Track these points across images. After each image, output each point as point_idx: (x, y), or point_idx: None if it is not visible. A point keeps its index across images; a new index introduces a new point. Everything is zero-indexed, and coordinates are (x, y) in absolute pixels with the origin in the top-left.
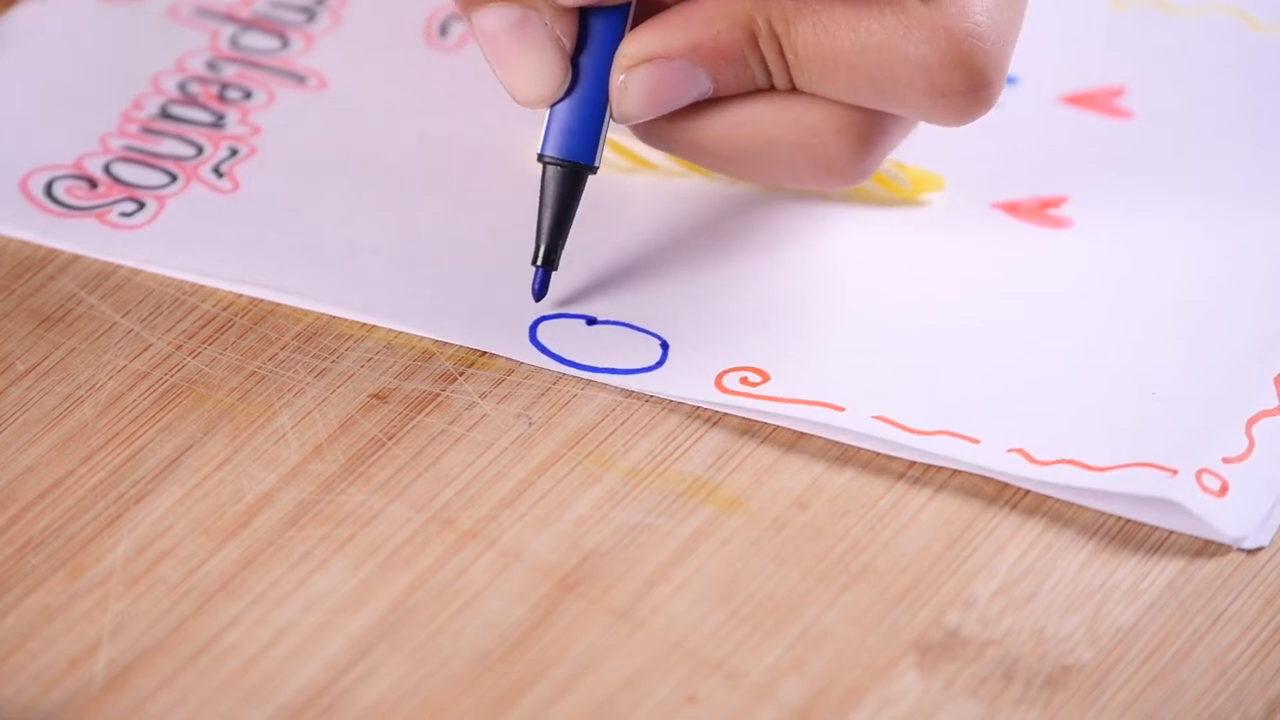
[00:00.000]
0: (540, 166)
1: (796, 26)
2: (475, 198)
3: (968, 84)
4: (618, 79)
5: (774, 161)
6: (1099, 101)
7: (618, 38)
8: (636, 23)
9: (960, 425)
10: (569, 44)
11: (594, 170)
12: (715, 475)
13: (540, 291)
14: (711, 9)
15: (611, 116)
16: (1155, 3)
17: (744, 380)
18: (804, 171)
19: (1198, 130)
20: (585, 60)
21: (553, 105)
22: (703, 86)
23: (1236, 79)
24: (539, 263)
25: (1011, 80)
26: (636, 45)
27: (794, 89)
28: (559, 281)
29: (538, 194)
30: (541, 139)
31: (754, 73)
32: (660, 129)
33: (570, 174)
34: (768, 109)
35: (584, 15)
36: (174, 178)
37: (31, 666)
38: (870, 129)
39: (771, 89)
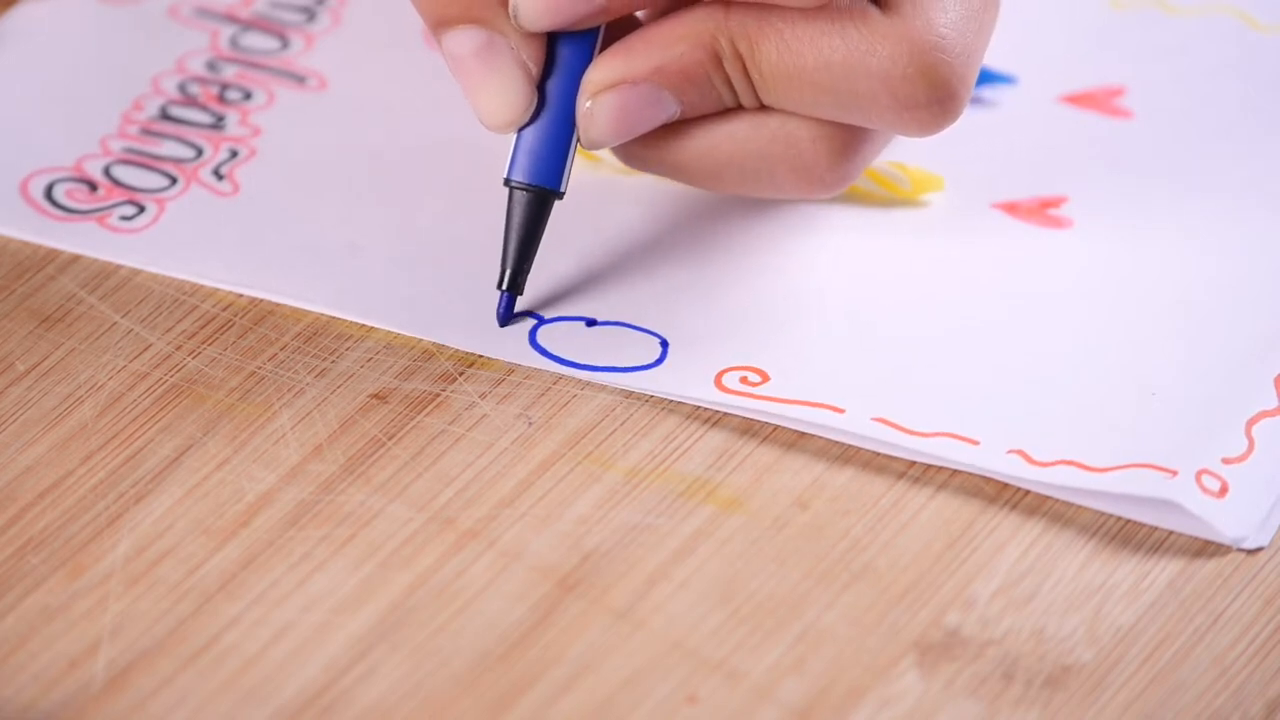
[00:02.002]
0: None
1: (759, 45)
2: (475, 198)
3: (931, 96)
4: (584, 105)
5: (756, 175)
6: (1099, 101)
7: (585, 63)
8: (605, 47)
9: (960, 426)
10: (535, 69)
11: (560, 196)
12: (715, 475)
13: (505, 316)
14: (674, 31)
15: (579, 142)
16: (1155, 3)
17: (743, 380)
18: (786, 183)
19: (1198, 130)
20: (552, 85)
21: (520, 130)
22: (669, 110)
23: (1236, 79)
24: (504, 287)
25: (1011, 80)
26: (601, 71)
27: (762, 106)
28: (558, 281)
29: (504, 217)
30: (509, 163)
31: (720, 93)
32: (639, 151)
33: (536, 199)
34: (744, 125)
35: (552, 40)
36: (174, 180)
37: (31, 666)
38: (849, 137)
39: (740, 107)
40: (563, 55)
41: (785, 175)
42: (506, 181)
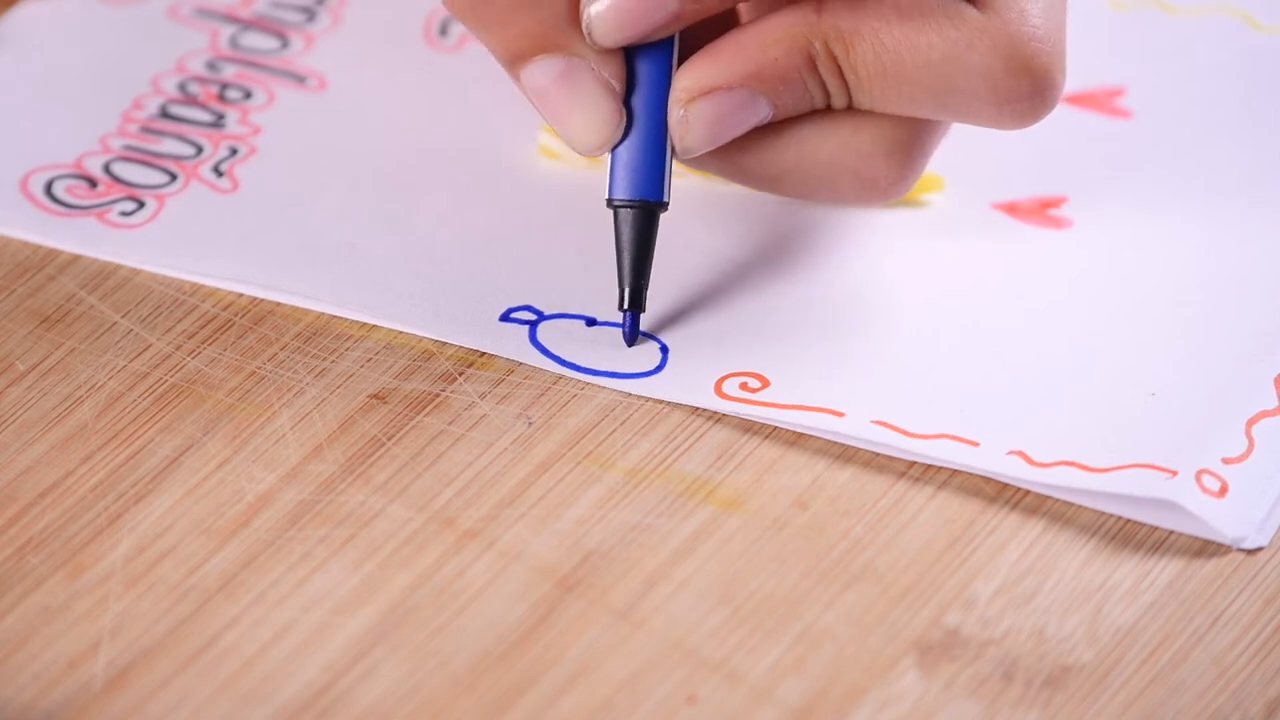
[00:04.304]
0: (611, 211)
1: (855, 47)
2: (474, 198)
3: (1033, 88)
4: (677, 114)
5: (818, 181)
6: (1099, 101)
7: (667, 73)
8: (681, 56)
9: (959, 428)
10: (619, 86)
11: (664, 207)
12: (715, 475)
13: (631, 335)
14: (766, 35)
15: (673, 152)
16: (1155, 3)
17: (743, 386)
18: (846, 191)
19: (1198, 130)
20: (638, 100)
21: (614, 149)
22: (763, 113)
23: (1236, 79)
24: (625, 307)
25: None
26: (693, 78)
27: (850, 107)
28: (559, 280)
29: (613, 240)
30: (608, 184)
31: (813, 95)
32: (705, 154)
33: (643, 214)
34: (815, 132)
35: (629, 56)
36: (174, 177)
37: (31, 666)
38: (915, 148)
39: (827, 108)
40: (642, 69)
41: (848, 183)
42: (609, 202)
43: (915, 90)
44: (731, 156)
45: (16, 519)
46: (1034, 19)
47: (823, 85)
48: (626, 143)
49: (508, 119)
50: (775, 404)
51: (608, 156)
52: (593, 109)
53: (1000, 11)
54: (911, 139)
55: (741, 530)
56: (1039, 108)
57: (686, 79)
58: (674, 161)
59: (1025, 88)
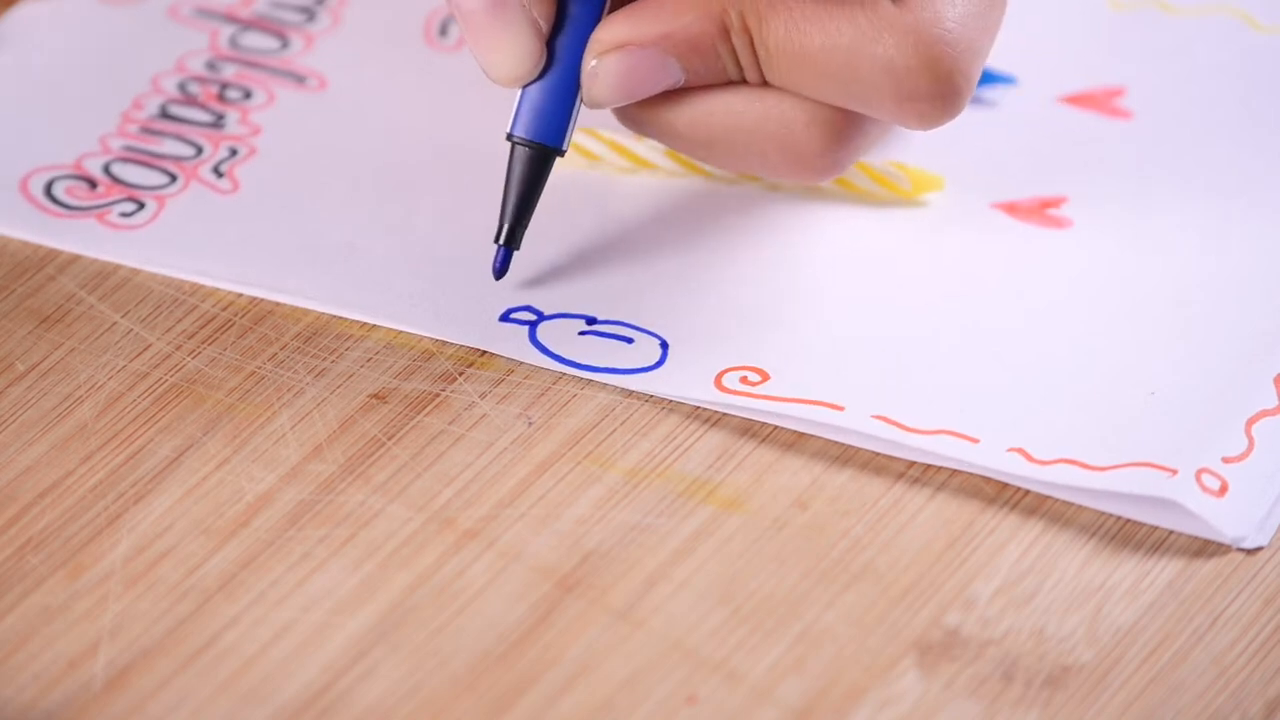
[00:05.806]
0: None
1: (768, 21)
2: (474, 198)
3: (934, 89)
4: (589, 64)
5: (747, 150)
6: (1099, 101)
7: (594, 23)
8: (614, 8)
9: (959, 424)
10: (546, 26)
11: (561, 153)
12: (715, 475)
13: (501, 270)
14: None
15: (582, 101)
16: (1155, 3)
17: (743, 380)
18: (776, 162)
19: (1198, 130)
20: (561, 43)
21: (525, 86)
22: (673, 76)
23: (1236, 79)
24: (501, 241)
25: (1011, 80)
26: (609, 31)
27: (765, 82)
28: (559, 280)
29: (504, 172)
30: (512, 118)
31: (725, 65)
32: (634, 113)
33: (538, 155)
34: (741, 99)
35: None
36: (174, 178)
37: (31, 666)
38: (843, 124)
39: (743, 81)
40: (572, 14)
41: (776, 154)
42: (509, 136)
43: (820, 73)
44: (660, 116)
45: (16, 519)
46: (949, 22)
47: (734, 56)
48: (539, 83)
49: (508, 119)
50: (775, 397)
51: (516, 92)
52: (515, 43)
53: (915, 9)
54: (839, 117)
55: (741, 530)
56: (939, 110)
57: (602, 32)
58: (641, 136)
59: (925, 88)
